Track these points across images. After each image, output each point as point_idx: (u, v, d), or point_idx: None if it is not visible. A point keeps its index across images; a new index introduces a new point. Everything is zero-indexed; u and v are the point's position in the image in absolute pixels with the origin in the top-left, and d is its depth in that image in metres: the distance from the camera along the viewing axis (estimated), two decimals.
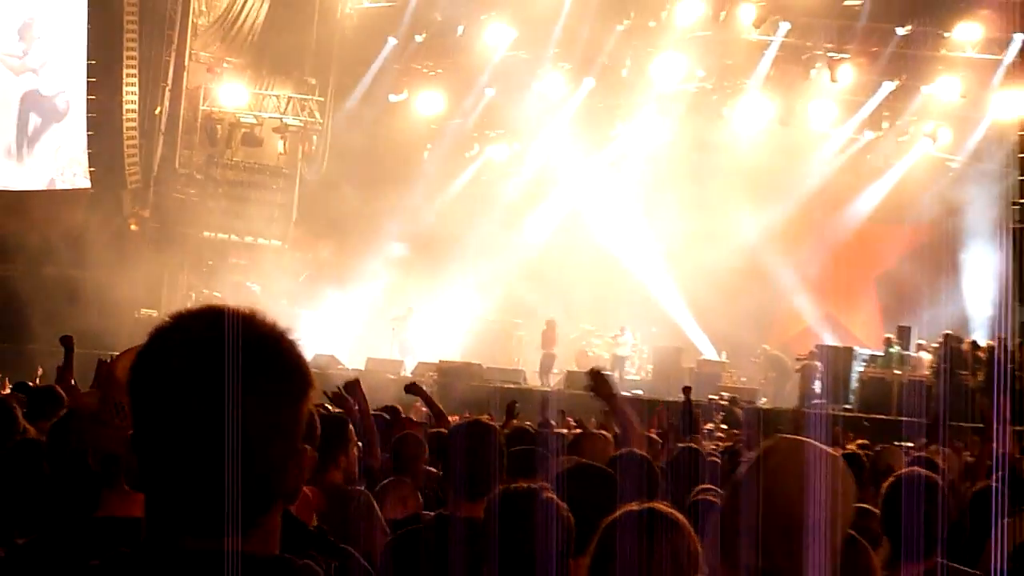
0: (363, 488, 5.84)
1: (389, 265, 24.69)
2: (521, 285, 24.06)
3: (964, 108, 21.33)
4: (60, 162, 24.37)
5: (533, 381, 19.85)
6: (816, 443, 2.71)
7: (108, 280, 20.49)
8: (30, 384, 11.28)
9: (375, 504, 5.66)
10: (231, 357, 1.72)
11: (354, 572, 3.93)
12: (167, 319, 1.78)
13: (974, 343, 19.70)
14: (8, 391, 9.52)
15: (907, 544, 4.57)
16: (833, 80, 21.91)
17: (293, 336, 1.78)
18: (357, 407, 6.68)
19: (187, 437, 1.72)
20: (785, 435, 2.90)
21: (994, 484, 5.85)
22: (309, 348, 19.17)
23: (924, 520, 4.39)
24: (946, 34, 20.74)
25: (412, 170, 25.38)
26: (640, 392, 18.66)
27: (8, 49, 25.16)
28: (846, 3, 21.52)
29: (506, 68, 24.96)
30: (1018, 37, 20.29)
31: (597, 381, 6.32)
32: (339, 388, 7.00)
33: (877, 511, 4.78)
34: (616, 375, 20.67)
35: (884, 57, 21.30)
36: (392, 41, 25.86)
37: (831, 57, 21.86)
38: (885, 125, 22.12)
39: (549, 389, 19.24)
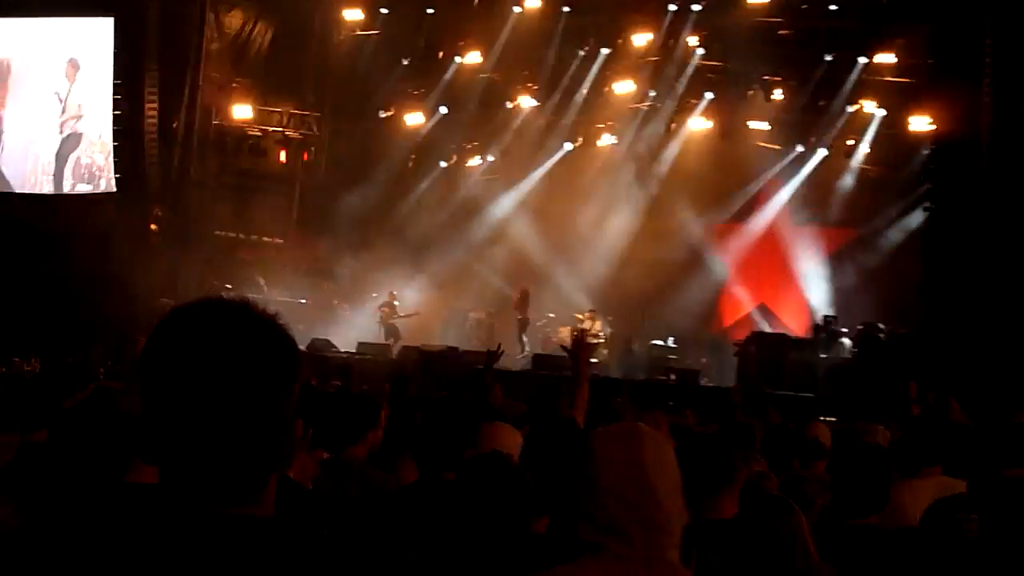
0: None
1: (377, 260, 23.86)
2: (493, 278, 23.71)
3: (882, 125, 21.21)
4: (90, 170, 23.64)
5: (503, 363, 19.57)
6: (645, 427, 2.89)
7: (131, 273, 20.17)
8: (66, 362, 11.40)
9: (371, 473, 5.50)
10: (230, 342, 1.73)
11: (344, 530, 3.95)
12: (174, 309, 1.79)
13: (891, 331, 19.19)
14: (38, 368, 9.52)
15: (853, 501, 4.75)
16: (767, 100, 21.79)
17: (284, 323, 1.79)
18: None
19: (191, 414, 1.70)
20: (621, 422, 3.10)
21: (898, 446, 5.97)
22: (307, 333, 19.77)
23: (869, 481, 4.52)
24: (865, 60, 20.59)
25: (398, 177, 24.98)
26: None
27: (55, 81, 23.97)
28: (779, 32, 21.25)
29: (480, 88, 24.48)
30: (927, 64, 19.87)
31: (581, 348, 6.30)
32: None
33: (808, 478, 4.88)
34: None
35: (812, 81, 21.14)
36: (381, 63, 24.51)
37: (765, 80, 21.65)
38: (812, 139, 21.89)
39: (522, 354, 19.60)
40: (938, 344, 16.94)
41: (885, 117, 21.29)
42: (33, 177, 24.15)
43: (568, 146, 24.09)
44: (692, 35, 21.99)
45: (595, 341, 21.39)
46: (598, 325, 21.20)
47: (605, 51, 22.81)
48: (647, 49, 22.30)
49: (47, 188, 23.93)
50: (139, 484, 2.70)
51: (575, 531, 2.87)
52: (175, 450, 1.74)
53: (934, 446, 5.58)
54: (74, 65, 24.03)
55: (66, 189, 23.73)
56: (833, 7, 20.47)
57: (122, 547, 1.74)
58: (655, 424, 9.05)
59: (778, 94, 22.07)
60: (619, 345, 21.98)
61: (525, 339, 20.78)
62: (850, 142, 22.01)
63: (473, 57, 23.49)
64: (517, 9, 22.43)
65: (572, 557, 2.85)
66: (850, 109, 21.41)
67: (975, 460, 5.70)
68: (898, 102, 20.87)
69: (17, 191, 23.89)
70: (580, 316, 22.41)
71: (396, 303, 22.48)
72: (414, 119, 24.64)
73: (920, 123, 20.34)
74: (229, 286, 21.61)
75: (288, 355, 1.79)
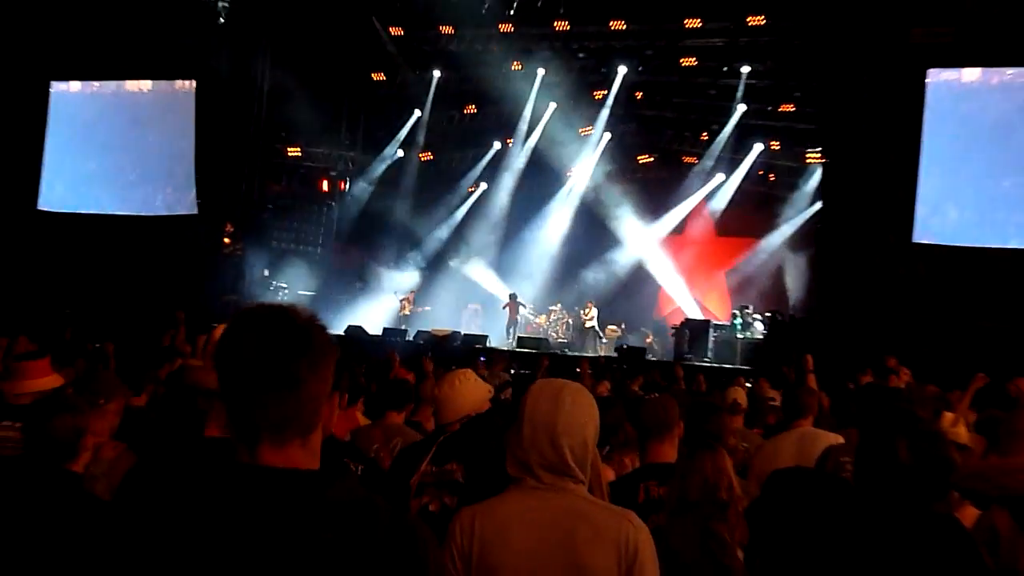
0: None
1: (396, 266, 23.95)
2: (490, 277, 23.43)
3: (785, 156, 21.27)
4: (177, 195, 23.09)
5: (497, 344, 19.63)
6: (569, 391, 2.82)
7: (207, 276, 20.11)
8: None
9: (404, 430, 5.46)
10: (283, 334, 1.77)
11: (371, 472, 3.94)
12: (242, 309, 1.85)
13: (792, 316, 19.20)
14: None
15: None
16: (697, 139, 21.88)
17: (320, 322, 1.81)
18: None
19: (256, 385, 1.74)
20: (549, 381, 2.94)
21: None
22: (344, 321, 19.88)
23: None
24: (770, 109, 20.53)
25: (413, 201, 24.46)
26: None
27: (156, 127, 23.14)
28: (708, 91, 21.09)
29: (473, 132, 24.19)
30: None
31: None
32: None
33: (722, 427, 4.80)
34: (591, 342, 20.80)
35: (731, 124, 21.03)
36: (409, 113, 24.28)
37: (695, 123, 21.74)
38: (731, 168, 21.85)
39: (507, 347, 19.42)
40: (828, 326, 17.20)
41: (787, 151, 21.27)
42: (140, 203, 23.61)
43: (544, 177, 23.61)
44: (638, 91, 21.78)
45: (590, 324, 21.27)
46: (592, 312, 21.05)
47: (572, 103, 22.38)
48: (603, 101, 21.95)
49: (148, 211, 23.45)
50: (214, 438, 2.71)
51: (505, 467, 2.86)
52: (244, 412, 1.77)
53: (800, 405, 5.53)
54: (168, 116, 23.19)
55: (162, 212, 23.29)
56: (746, 68, 20.24)
57: (200, 487, 1.77)
58: (609, 390, 8.98)
59: (705, 135, 22.00)
60: (578, 328, 21.77)
61: (512, 330, 20.71)
62: (760, 172, 21.98)
63: (470, 109, 23.27)
64: (504, 72, 21.93)
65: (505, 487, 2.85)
66: (759, 146, 21.32)
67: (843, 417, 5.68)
68: (797, 139, 20.82)
69: (128, 214, 23.29)
70: (583, 310, 21.81)
71: (413, 298, 22.35)
72: (425, 156, 24.37)
73: (814, 155, 20.41)
74: (284, 285, 21.68)
75: (325, 343, 1.82)
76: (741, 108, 21.18)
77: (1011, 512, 2.05)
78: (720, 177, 22.44)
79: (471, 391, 4.35)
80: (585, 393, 2.87)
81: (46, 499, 3.43)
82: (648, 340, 21.10)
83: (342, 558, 1.74)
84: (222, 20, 21.26)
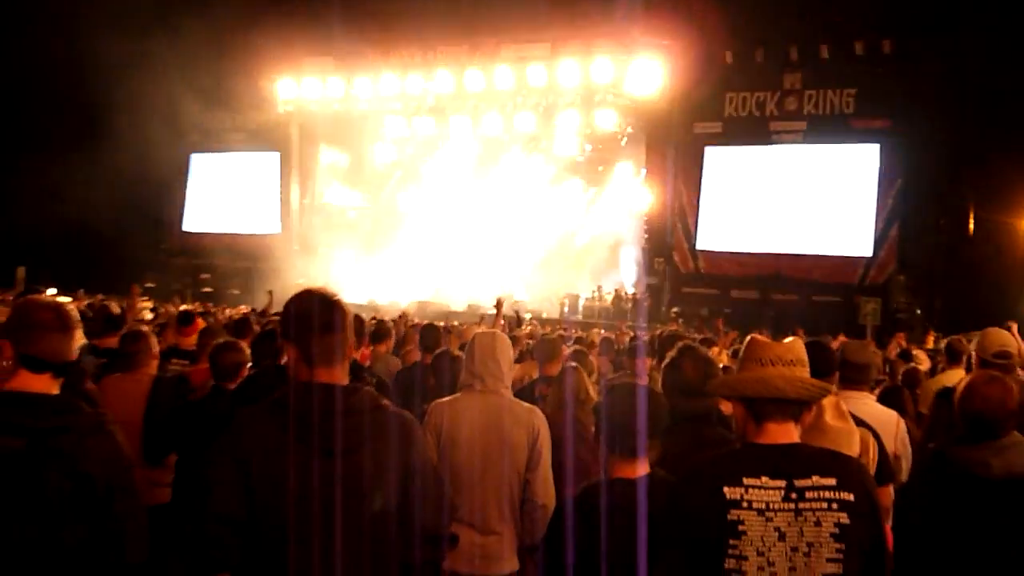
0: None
1: (397, 262, 25.46)
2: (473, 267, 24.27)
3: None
4: (268, 220, 27.81)
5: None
6: (498, 332, 3.95)
7: (287, 269, 22.77)
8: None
9: (391, 359, 6.60)
10: (321, 304, 2.37)
11: (384, 387, 4.54)
12: (297, 294, 2.42)
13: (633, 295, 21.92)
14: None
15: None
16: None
17: (341, 298, 2.38)
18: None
19: (310, 331, 2.33)
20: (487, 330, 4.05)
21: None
22: (367, 296, 22.01)
23: None
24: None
25: (412, 220, 26.75)
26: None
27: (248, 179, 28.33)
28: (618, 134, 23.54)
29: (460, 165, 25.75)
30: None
31: (498, 304, 7.52)
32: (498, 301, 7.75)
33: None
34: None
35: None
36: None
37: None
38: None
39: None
40: None
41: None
42: (238, 223, 28.32)
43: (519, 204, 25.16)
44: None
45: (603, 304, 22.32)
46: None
47: (540, 146, 24.88)
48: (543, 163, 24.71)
49: (241, 231, 27.96)
50: (284, 364, 2.60)
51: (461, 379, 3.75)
52: (303, 345, 2.33)
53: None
54: (262, 172, 27.71)
55: (253, 232, 27.63)
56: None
57: (273, 397, 2.33)
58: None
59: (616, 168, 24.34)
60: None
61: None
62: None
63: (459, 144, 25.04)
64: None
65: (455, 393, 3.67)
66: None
67: None
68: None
69: (236, 232, 27.82)
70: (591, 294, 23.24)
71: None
72: (413, 199, 27.18)
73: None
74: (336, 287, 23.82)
75: (346, 311, 2.35)
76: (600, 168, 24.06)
77: (744, 406, 2.37)
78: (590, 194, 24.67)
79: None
80: (505, 336, 3.91)
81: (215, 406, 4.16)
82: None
83: (373, 427, 2.27)
84: (287, 108, 25.96)
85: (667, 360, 3.49)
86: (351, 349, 2.44)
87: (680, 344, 3.57)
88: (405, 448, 2.42)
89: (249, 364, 4.61)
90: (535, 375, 5.44)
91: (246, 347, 4.73)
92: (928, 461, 3.05)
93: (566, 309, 22.58)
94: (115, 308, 7.86)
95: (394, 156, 27.29)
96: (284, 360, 2.54)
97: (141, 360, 4.95)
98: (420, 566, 2.49)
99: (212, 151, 28.48)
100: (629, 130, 23.73)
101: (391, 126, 26.02)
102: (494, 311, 7.56)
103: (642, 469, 2.73)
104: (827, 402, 3.26)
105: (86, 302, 9.49)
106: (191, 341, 6.10)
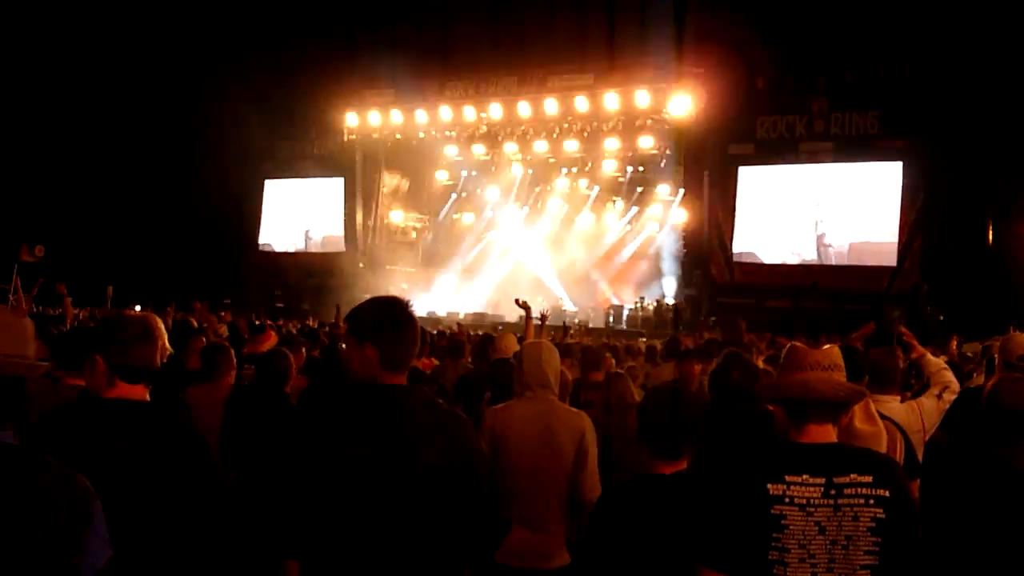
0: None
1: (454, 277, 26.50)
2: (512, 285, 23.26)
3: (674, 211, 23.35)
4: (332, 240, 28.35)
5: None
6: (544, 342, 4.04)
7: (352, 285, 22.93)
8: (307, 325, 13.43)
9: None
10: (398, 311, 2.45)
11: (444, 392, 4.57)
12: (373, 299, 2.50)
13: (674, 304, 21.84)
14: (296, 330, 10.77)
15: None
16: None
17: (412, 305, 2.46)
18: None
19: (376, 339, 2.38)
20: (535, 340, 4.14)
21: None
22: (427, 308, 22.54)
23: None
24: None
25: (467, 238, 27.62)
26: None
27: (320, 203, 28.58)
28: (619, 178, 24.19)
29: (510, 186, 26.36)
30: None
31: (523, 304, 7.04)
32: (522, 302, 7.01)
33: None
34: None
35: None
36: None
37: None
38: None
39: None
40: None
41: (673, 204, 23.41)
42: (304, 243, 28.84)
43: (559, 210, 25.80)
44: (608, 158, 24.46)
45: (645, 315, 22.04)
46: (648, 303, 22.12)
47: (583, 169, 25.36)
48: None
49: (311, 248, 28.40)
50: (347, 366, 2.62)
51: (514, 385, 3.76)
52: (371, 346, 2.37)
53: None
54: (329, 197, 28.13)
55: (320, 249, 28.03)
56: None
57: (343, 397, 2.40)
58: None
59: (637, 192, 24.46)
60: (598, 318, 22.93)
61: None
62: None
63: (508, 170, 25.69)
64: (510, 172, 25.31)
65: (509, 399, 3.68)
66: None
67: None
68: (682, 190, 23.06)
69: (297, 251, 28.40)
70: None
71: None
72: (468, 219, 28.05)
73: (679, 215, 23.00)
74: (405, 286, 23.98)
75: (414, 320, 2.42)
76: (639, 190, 24.53)
77: (784, 408, 2.39)
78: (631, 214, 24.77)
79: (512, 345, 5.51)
80: (551, 344, 3.93)
81: (270, 409, 4.20)
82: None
83: (427, 422, 2.36)
84: (352, 137, 26.41)
85: (715, 366, 3.72)
86: (413, 357, 2.49)
87: (726, 352, 3.79)
88: (457, 440, 2.47)
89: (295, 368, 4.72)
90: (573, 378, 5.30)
91: (291, 353, 4.85)
92: (963, 458, 3.09)
93: (611, 319, 23.10)
94: (194, 323, 8.14)
95: (450, 179, 28.22)
96: (350, 362, 2.54)
97: (222, 371, 5.05)
98: (472, 551, 2.53)
99: (284, 177, 29.20)
100: (668, 152, 23.77)
101: (447, 152, 26.80)
102: (537, 319, 7.05)
103: (679, 467, 2.73)
104: (857, 405, 3.14)
105: (171, 317, 9.70)
106: (263, 348, 6.33)
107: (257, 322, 9.58)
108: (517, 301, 7.30)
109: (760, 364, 4.55)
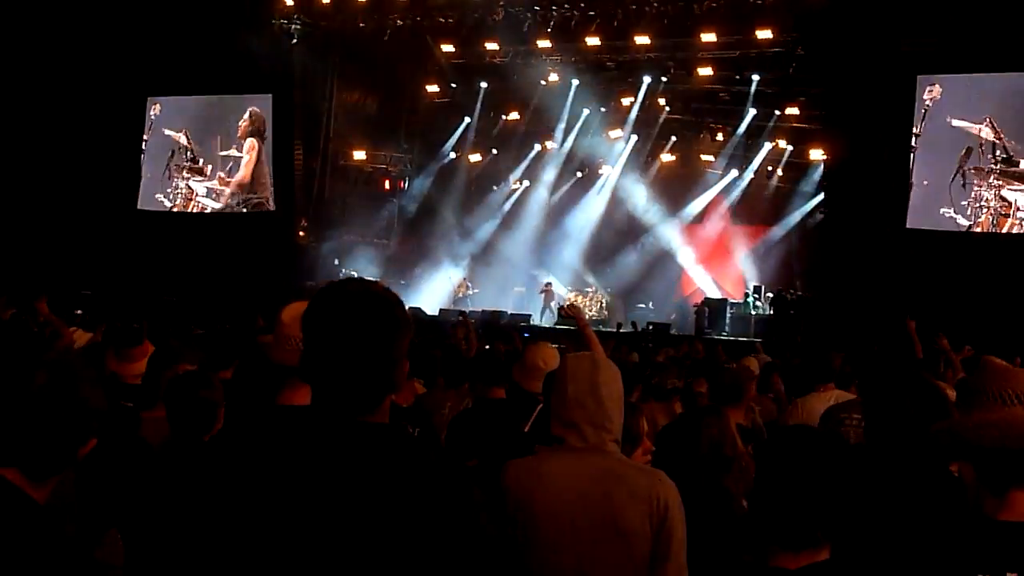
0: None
1: (450, 255, 23.90)
2: (525, 263, 23.30)
3: (790, 155, 21.51)
4: (258, 195, 23.31)
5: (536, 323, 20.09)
6: (599, 355, 3.05)
7: (285, 266, 20.35)
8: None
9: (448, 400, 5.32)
10: (363, 306, 1.80)
11: (428, 434, 4.02)
12: (322, 287, 1.87)
13: (796, 294, 19.52)
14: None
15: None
16: (712, 140, 22.23)
17: (395, 296, 1.86)
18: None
19: (338, 353, 1.77)
20: (583, 352, 3.15)
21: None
22: (406, 303, 19.75)
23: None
24: (778, 112, 20.86)
25: (463, 198, 24.59)
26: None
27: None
28: (720, 95, 21.29)
29: (519, 135, 23.93)
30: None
31: (573, 312, 6.15)
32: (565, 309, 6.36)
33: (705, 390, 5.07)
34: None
35: (742, 126, 21.45)
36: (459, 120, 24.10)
37: (711, 127, 22.25)
38: (743, 166, 22.25)
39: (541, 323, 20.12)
40: (825, 304, 17.72)
41: (792, 150, 21.42)
42: (207, 199, 23.72)
43: (579, 174, 24.04)
44: (661, 97, 21.89)
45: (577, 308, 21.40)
46: (580, 299, 21.58)
47: (603, 109, 22.79)
48: (630, 107, 22.26)
49: (220, 207, 23.51)
50: (288, 406, 2.64)
51: (549, 427, 2.82)
52: (325, 377, 1.79)
53: (822, 369, 5.40)
54: (247, 127, 23.12)
55: (243, 209, 23.48)
56: (756, 76, 20.33)
57: (280, 446, 1.81)
58: (638, 359, 9.07)
59: (720, 136, 22.23)
60: (617, 306, 22.21)
61: (546, 313, 21.07)
62: (769, 168, 22.11)
63: (513, 115, 23.45)
64: (543, 82, 22.13)
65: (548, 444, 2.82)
66: (768, 145, 21.46)
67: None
68: (800, 139, 20.97)
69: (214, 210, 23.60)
70: (569, 296, 22.25)
71: (468, 284, 22.77)
72: (474, 158, 24.56)
73: (816, 154, 20.60)
74: (355, 272, 21.61)
75: (401, 319, 1.83)
76: (752, 112, 21.23)
77: (974, 464, 1.96)
78: (734, 173, 22.41)
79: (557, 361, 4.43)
80: (609, 361, 2.99)
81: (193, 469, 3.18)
82: (672, 317, 21.13)
83: (390, 492, 1.75)
84: (295, 41, 21.66)
85: (880, 394, 3.03)
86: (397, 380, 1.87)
87: (900, 372, 3.72)
88: (442, 520, 1.77)
89: None
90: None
91: None
92: None
93: (705, 320, 19.73)
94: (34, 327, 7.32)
95: (444, 95, 24.20)
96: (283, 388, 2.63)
97: None
98: None
99: (177, 94, 24.09)
100: (799, 52, 18.79)
101: (443, 50, 22.22)
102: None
103: (813, 558, 2.01)
104: None
105: None
106: (136, 366, 5.04)
107: (136, 325, 6.03)
108: (562, 309, 7.13)
109: (950, 393, 3.39)
